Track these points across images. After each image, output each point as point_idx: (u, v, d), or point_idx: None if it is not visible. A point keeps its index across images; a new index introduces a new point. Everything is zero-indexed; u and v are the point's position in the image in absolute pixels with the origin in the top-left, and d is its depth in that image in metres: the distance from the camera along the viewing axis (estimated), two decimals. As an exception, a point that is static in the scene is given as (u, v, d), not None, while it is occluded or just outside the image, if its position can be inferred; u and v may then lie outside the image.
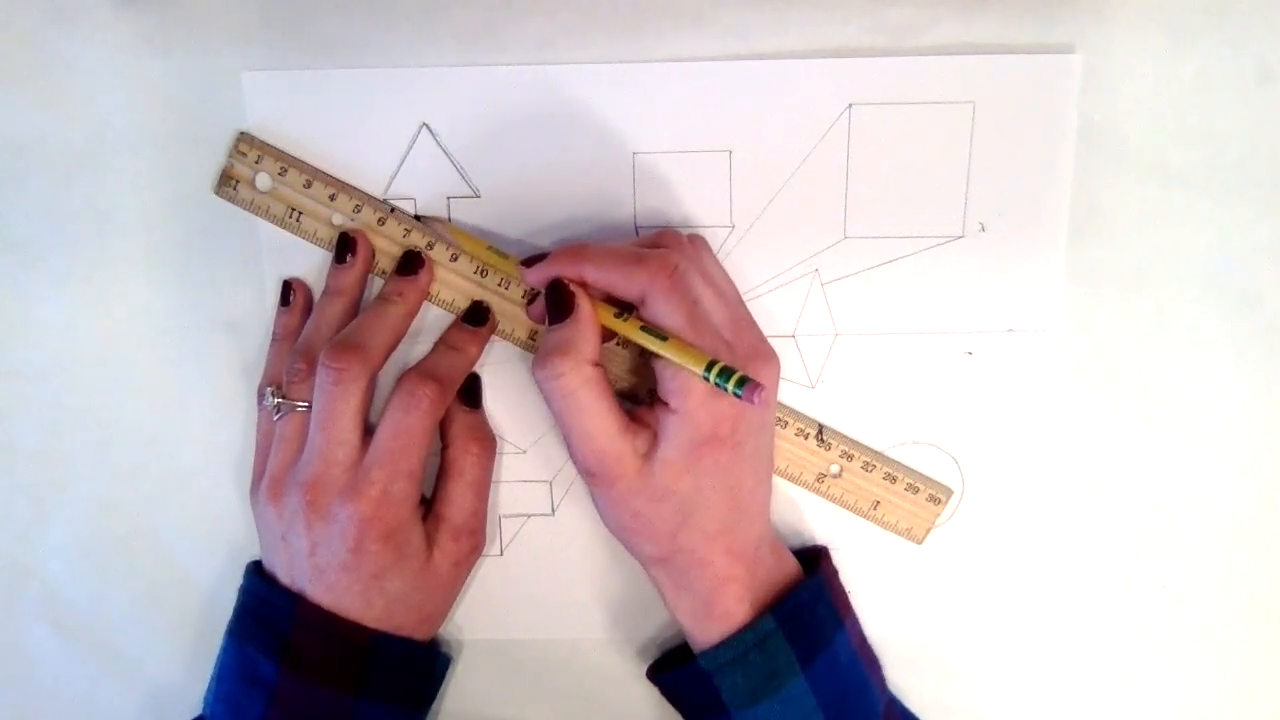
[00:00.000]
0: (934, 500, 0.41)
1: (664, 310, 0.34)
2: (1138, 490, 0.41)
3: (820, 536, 0.41)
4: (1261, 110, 0.38)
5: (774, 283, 0.40)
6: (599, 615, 0.42)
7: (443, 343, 0.39)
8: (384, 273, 0.39)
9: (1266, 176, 0.39)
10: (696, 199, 0.39)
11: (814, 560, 0.40)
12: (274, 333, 0.40)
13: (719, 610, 0.36)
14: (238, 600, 0.39)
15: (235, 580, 0.40)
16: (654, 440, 0.35)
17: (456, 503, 0.39)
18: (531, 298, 0.39)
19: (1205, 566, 0.42)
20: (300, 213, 0.39)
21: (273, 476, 0.38)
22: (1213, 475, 0.41)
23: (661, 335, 0.34)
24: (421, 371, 0.37)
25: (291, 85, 0.38)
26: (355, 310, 0.39)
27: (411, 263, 0.39)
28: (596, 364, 0.35)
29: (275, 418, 0.38)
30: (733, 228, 0.39)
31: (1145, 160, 0.38)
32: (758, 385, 0.32)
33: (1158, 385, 0.40)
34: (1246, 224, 0.39)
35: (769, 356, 0.36)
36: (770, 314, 0.40)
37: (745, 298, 0.40)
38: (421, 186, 0.39)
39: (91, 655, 0.43)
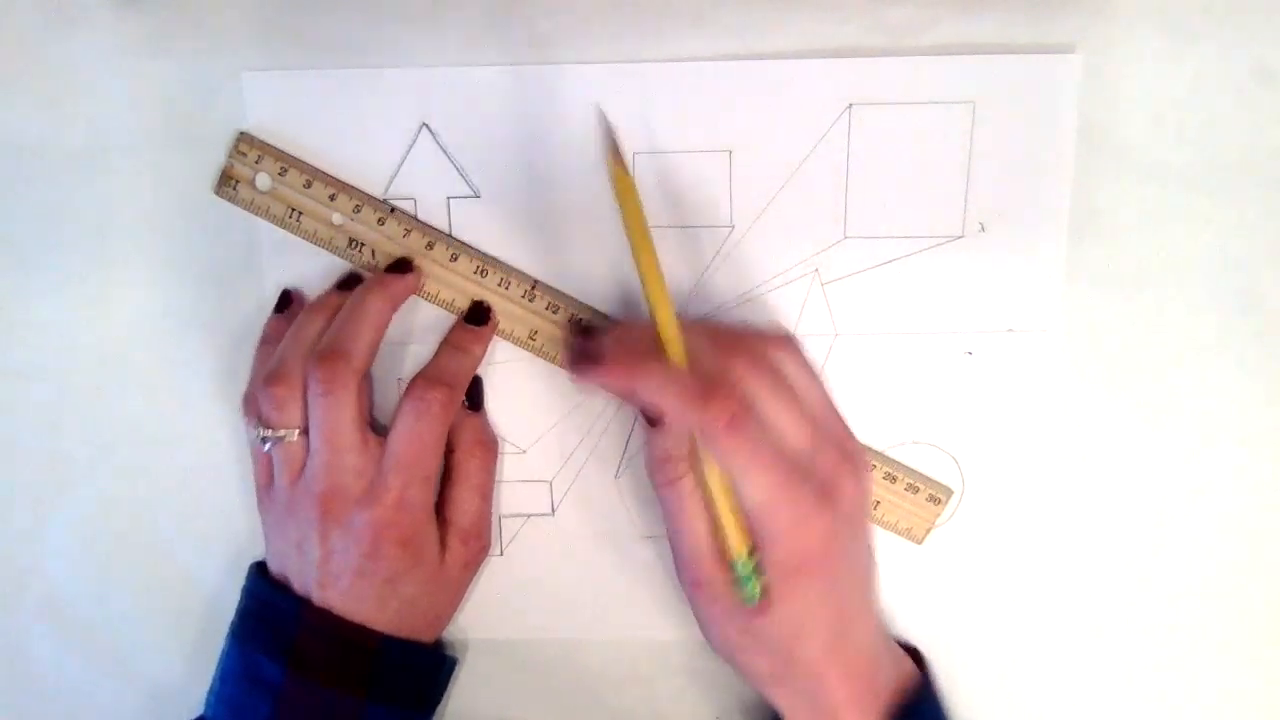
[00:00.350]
0: (934, 500, 0.41)
1: (719, 454, 0.32)
2: (1137, 490, 0.41)
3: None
4: (1261, 110, 0.38)
5: (774, 283, 0.40)
6: (599, 615, 0.42)
7: (447, 344, 0.39)
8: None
9: (1266, 176, 0.39)
10: (696, 199, 0.39)
11: (914, 653, 0.39)
12: (263, 335, 0.40)
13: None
14: (240, 602, 0.39)
15: (236, 580, 0.40)
16: (757, 552, 0.33)
17: (463, 507, 0.39)
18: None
19: (1205, 566, 0.42)
20: (300, 213, 0.39)
21: (284, 493, 0.37)
22: (1213, 475, 0.41)
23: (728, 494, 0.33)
24: (429, 376, 0.37)
25: (291, 85, 0.38)
26: (327, 326, 0.38)
27: (400, 265, 0.39)
28: (696, 459, 0.34)
29: (265, 450, 0.37)
30: (733, 228, 0.39)
31: (1145, 160, 0.38)
32: (765, 602, 0.33)
33: (1158, 385, 0.40)
34: (1246, 224, 0.39)
35: (852, 472, 0.34)
36: (770, 314, 0.40)
37: (745, 298, 0.40)
38: (421, 186, 0.39)
39: (91, 655, 0.43)
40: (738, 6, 0.37)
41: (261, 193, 0.39)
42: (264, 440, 0.37)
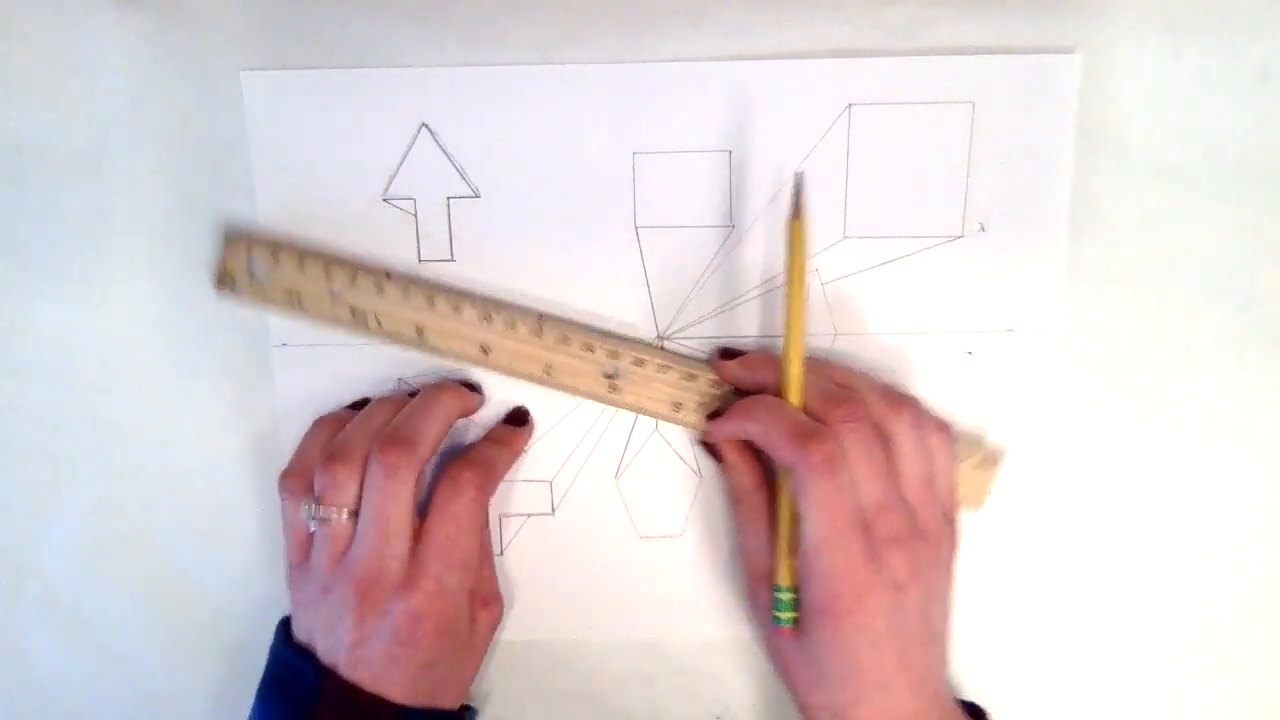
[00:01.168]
0: (985, 465, 0.40)
1: (798, 488, 0.34)
2: (1137, 490, 0.41)
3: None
4: (1261, 110, 0.38)
5: (774, 283, 0.40)
6: (599, 615, 0.42)
7: (487, 438, 0.40)
8: (390, 337, 0.39)
9: (1266, 176, 0.39)
10: (696, 199, 0.39)
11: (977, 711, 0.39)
12: (318, 419, 0.40)
13: None
14: (268, 661, 0.39)
15: (235, 580, 0.40)
16: (807, 600, 0.35)
17: (480, 574, 0.40)
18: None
19: (1205, 566, 0.42)
20: (300, 294, 0.39)
21: (321, 571, 0.37)
22: (1212, 475, 0.41)
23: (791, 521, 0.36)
24: (465, 459, 0.38)
25: (291, 85, 0.38)
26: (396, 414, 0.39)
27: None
28: (762, 488, 0.38)
29: (312, 530, 0.37)
30: (733, 228, 0.39)
31: (1145, 160, 0.38)
32: (790, 630, 0.36)
33: (1158, 385, 0.40)
34: (1246, 224, 0.39)
35: (909, 545, 0.35)
36: (770, 314, 0.40)
37: (745, 298, 0.40)
38: (421, 186, 0.39)
39: (91, 655, 0.43)
40: (738, 6, 0.37)
41: (260, 284, 0.39)
42: (313, 518, 0.37)
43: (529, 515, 0.42)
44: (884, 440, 0.35)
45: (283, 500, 0.38)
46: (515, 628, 0.42)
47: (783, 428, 0.35)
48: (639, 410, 0.40)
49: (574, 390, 0.39)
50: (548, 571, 0.42)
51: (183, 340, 0.41)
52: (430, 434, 0.37)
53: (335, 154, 0.39)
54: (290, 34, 0.38)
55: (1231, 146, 0.38)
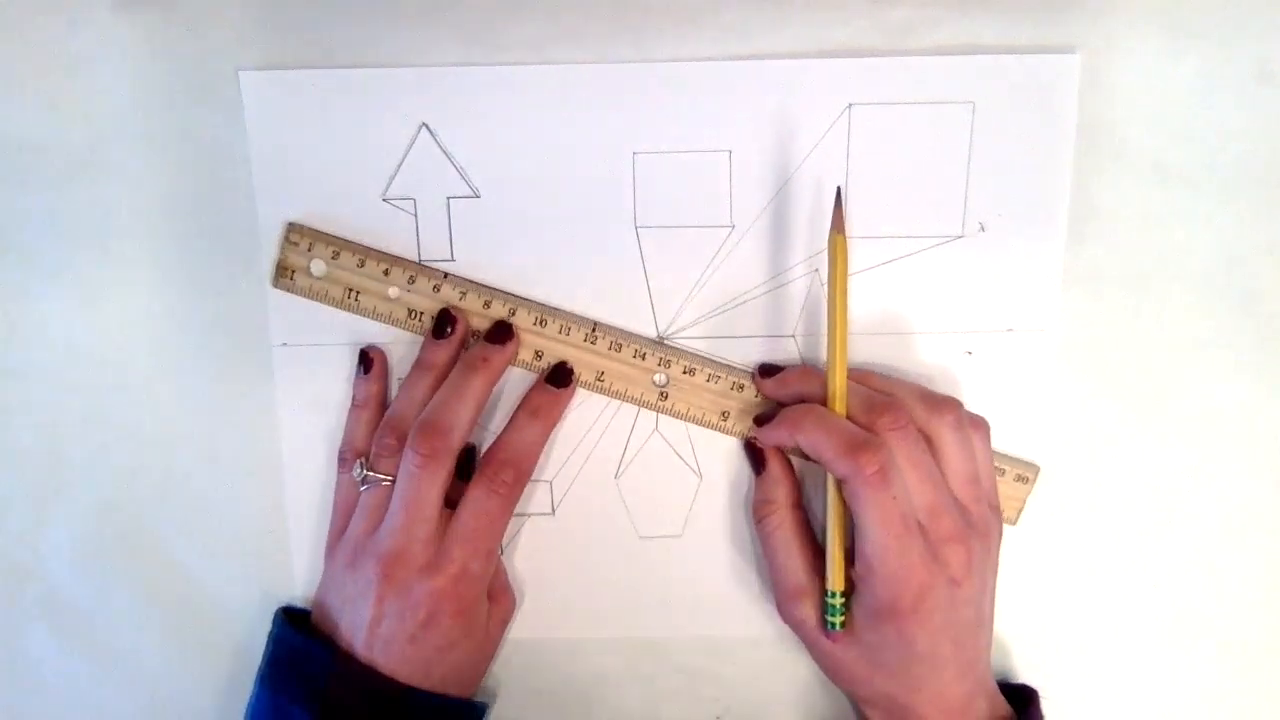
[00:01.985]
0: (1021, 480, 0.41)
1: (853, 498, 0.35)
2: (1137, 490, 0.41)
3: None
4: (1261, 110, 0.38)
5: (774, 283, 0.40)
6: (599, 615, 0.42)
7: (523, 410, 0.39)
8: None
9: (1266, 176, 0.39)
10: (696, 199, 0.39)
11: (1023, 700, 0.39)
12: (354, 399, 0.40)
13: None
14: (268, 648, 0.40)
15: (235, 580, 0.40)
16: (853, 591, 0.37)
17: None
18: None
19: (1205, 566, 0.42)
20: (358, 292, 0.39)
21: (353, 543, 0.38)
22: (1213, 475, 0.41)
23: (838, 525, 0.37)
24: (502, 459, 0.38)
25: (291, 85, 0.38)
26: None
27: (501, 332, 0.39)
28: (797, 507, 0.40)
29: (361, 489, 0.38)
30: (733, 228, 0.39)
31: (1145, 160, 0.38)
32: (844, 634, 0.37)
33: (1157, 385, 0.40)
34: (1246, 224, 0.39)
35: (964, 539, 0.36)
36: (770, 314, 0.40)
37: (745, 298, 0.40)
38: (421, 186, 0.39)
39: (91, 655, 0.43)
40: (738, 6, 0.37)
41: (318, 279, 0.39)
42: (364, 481, 0.38)
43: (529, 515, 0.42)
44: (928, 443, 0.36)
45: (338, 471, 0.40)
46: (515, 627, 0.42)
47: (833, 439, 0.35)
48: (688, 418, 0.40)
49: (624, 397, 0.40)
50: (548, 571, 0.42)
51: (183, 340, 0.41)
52: (466, 419, 0.38)
53: (335, 154, 0.39)
54: (290, 34, 0.38)
55: (1231, 146, 0.38)
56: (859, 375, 0.39)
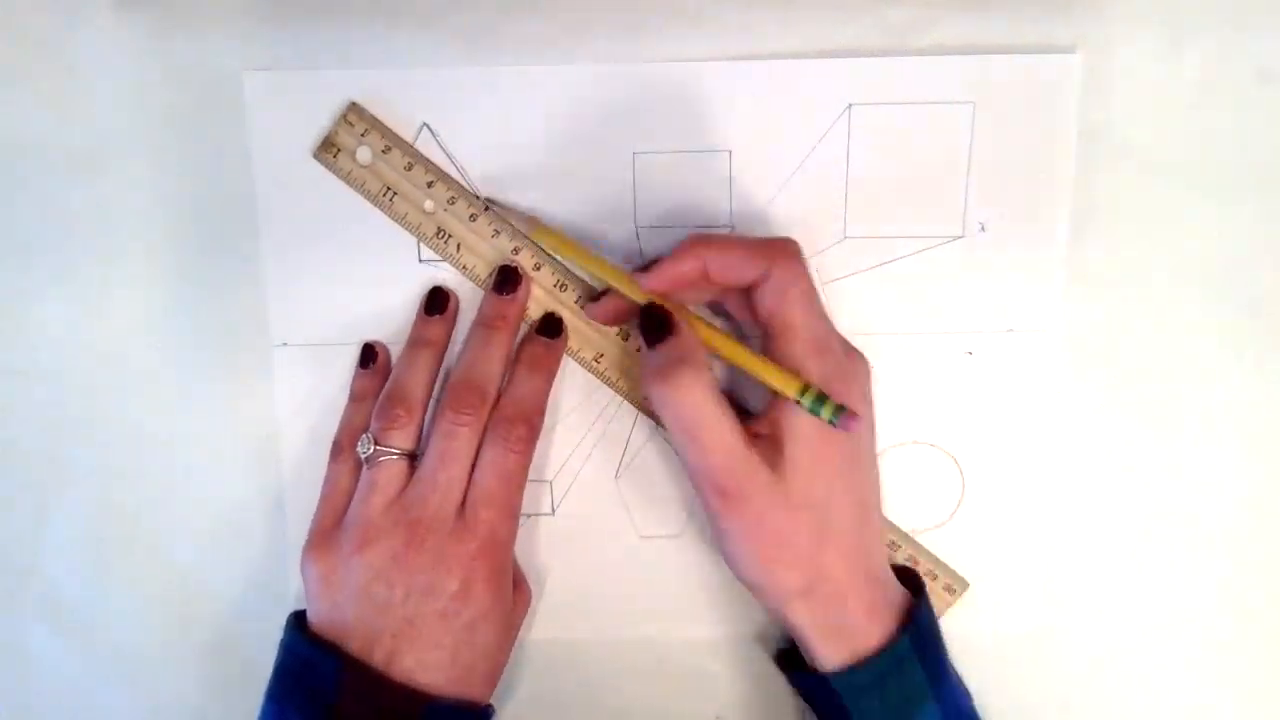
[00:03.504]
0: (949, 590, 0.41)
1: (777, 294, 0.34)
2: (1137, 490, 0.41)
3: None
4: (1261, 110, 0.38)
5: (774, 283, 0.40)
6: (599, 615, 0.42)
7: (521, 364, 0.39)
8: (464, 269, 0.39)
9: (1266, 176, 0.39)
10: (696, 199, 0.39)
11: (909, 578, 0.39)
12: (352, 393, 0.40)
13: (849, 630, 0.35)
14: (278, 658, 0.37)
15: (236, 580, 0.40)
16: (779, 447, 0.35)
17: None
18: (594, 296, 0.39)
19: (1205, 566, 0.42)
20: (395, 193, 0.39)
21: (363, 523, 0.36)
22: (1213, 475, 0.41)
23: (753, 350, 0.35)
24: (509, 415, 0.37)
25: (291, 85, 0.38)
26: (441, 361, 0.39)
27: (509, 279, 0.39)
28: (710, 374, 0.34)
29: (368, 467, 0.37)
30: (733, 228, 0.39)
31: (1145, 160, 0.38)
32: (854, 415, 0.33)
33: (1158, 385, 0.40)
34: (1246, 224, 0.39)
35: (862, 355, 0.37)
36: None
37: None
38: (421, 186, 0.39)
39: (91, 655, 0.43)
40: (738, 6, 0.37)
41: (361, 166, 0.39)
42: (370, 458, 0.37)
43: (529, 515, 0.42)
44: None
45: (329, 463, 0.39)
46: (515, 628, 0.42)
47: (742, 242, 0.35)
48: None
49: (615, 386, 0.40)
50: (548, 571, 0.42)
51: (183, 340, 0.41)
52: (497, 376, 0.38)
53: (335, 154, 0.39)
54: (290, 34, 0.38)
55: (1231, 146, 0.38)
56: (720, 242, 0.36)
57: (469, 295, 0.40)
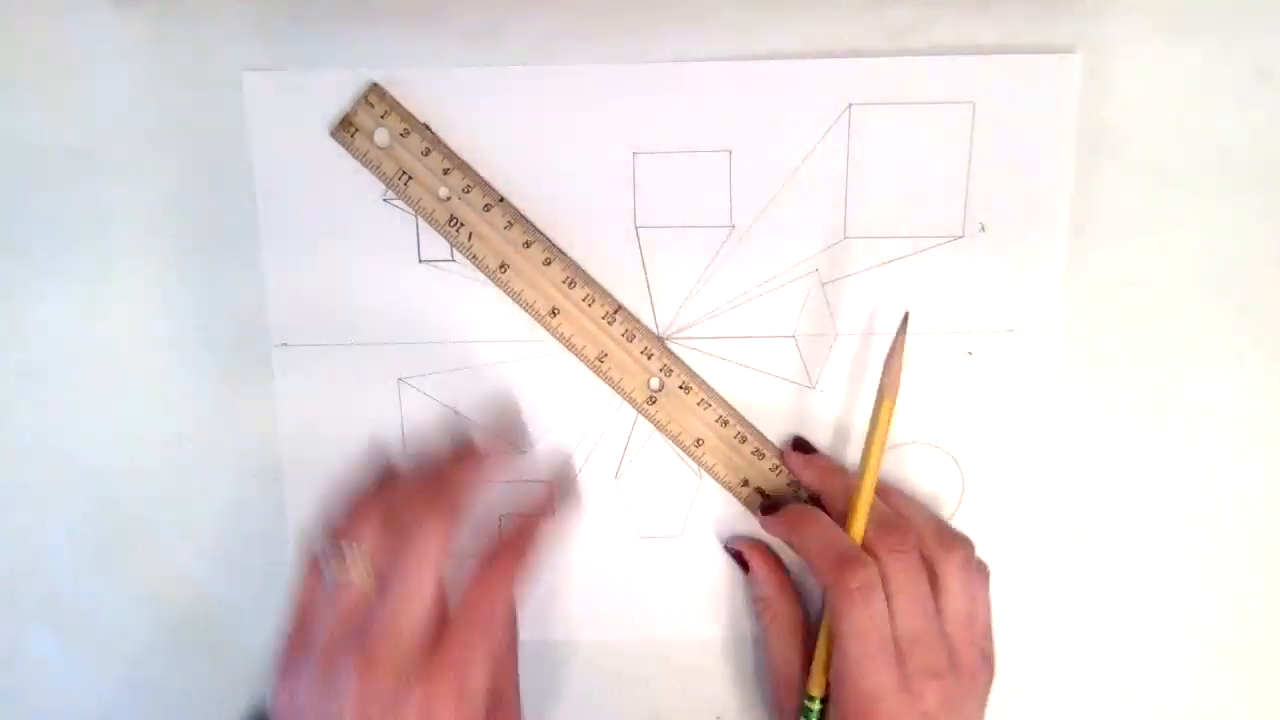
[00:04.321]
0: None
1: (832, 610, 0.36)
2: (1138, 490, 0.41)
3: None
4: (1261, 110, 0.38)
5: (774, 283, 0.40)
6: (598, 615, 0.42)
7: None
8: (474, 258, 0.39)
9: (1266, 176, 0.39)
10: (696, 199, 0.39)
11: None
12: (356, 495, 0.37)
13: None
14: None
15: (235, 580, 0.40)
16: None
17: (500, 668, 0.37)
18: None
19: (1205, 567, 0.42)
20: (410, 177, 0.38)
21: (325, 639, 0.33)
22: (1213, 475, 0.41)
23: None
24: (503, 544, 0.36)
25: (291, 85, 0.38)
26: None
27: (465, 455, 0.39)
28: (793, 601, 0.40)
29: (330, 589, 0.33)
30: (733, 228, 0.39)
31: (1145, 160, 0.38)
32: None
33: (1158, 385, 0.40)
34: (1246, 224, 0.39)
35: (940, 681, 0.35)
36: (770, 314, 0.40)
37: (745, 298, 0.40)
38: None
39: (91, 655, 0.43)
40: (738, 6, 0.37)
41: (378, 147, 0.38)
42: (331, 578, 0.33)
43: (529, 515, 0.42)
44: (930, 573, 0.36)
45: (306, 570, 0.35)
46: (515, 628, 0.42)
47: (824, 549, 0.36)
48: (665, 431, 0.40)
49: (615, 385, 0.40)
50: (547, 571, 0.42)
51: (183, 340, 0.41)
52: (466, 497, 0.35)
53: (335, 154, 0.39)
54: (290, 34, 0.38)
55: (1231, 146, 0.38)
56: (882, 489, 0.39)
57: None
